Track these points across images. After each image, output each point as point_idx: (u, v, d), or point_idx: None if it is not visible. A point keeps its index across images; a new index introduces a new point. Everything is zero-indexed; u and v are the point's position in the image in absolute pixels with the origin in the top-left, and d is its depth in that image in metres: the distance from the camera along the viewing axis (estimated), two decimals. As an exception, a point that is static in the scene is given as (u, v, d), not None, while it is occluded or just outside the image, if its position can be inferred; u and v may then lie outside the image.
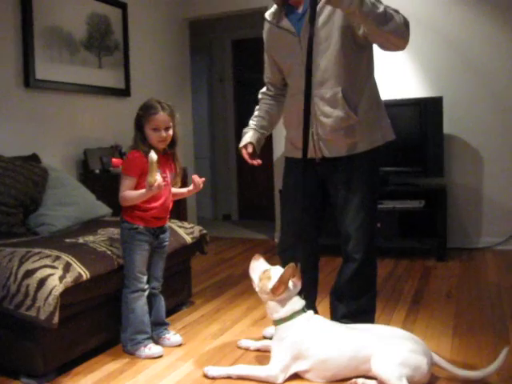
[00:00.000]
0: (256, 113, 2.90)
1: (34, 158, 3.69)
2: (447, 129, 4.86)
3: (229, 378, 2.42)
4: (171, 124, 2.75)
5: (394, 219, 4.67)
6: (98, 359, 2.71)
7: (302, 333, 2.39)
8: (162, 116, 2.70)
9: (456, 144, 5.00)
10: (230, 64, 7.24)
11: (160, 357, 2.70)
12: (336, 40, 2.48)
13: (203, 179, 2.93)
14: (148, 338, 2.75)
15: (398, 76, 5.13)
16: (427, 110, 4.77)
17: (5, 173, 3.20)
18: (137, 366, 2.62)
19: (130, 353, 2.73)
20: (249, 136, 2.80)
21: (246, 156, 2.77)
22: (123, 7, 4.97)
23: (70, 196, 3.47)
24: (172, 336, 2.89)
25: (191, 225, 3.55)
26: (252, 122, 2.87)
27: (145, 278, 2.78)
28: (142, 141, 2.71)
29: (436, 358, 2.33)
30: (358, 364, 2.32)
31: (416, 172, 4.85)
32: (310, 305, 2.77)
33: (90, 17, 4.59)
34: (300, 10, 2.56)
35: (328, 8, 2.46)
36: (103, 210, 3.59)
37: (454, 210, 5.01)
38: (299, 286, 2.47)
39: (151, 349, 2.71)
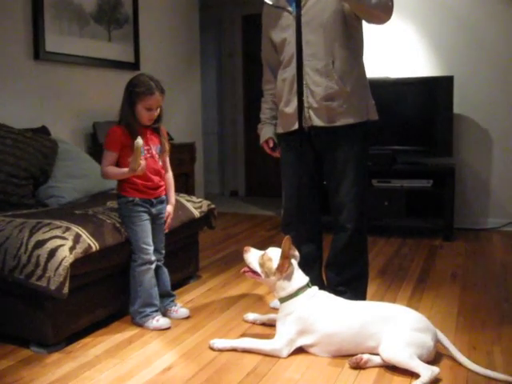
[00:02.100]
0: (264, 105, 3.05)
1: (44, 131, 3.70)
2: (457, 108, 4.83)
3: (234, 350, 2.46)
4: (162, 103, 2.78)
5: (401, 198, 4.66)
6: (107, 330, 2.75)
7: (308, 308, 2.42)
8: (157, 96, 2.73)
9: (465, 124, 4.97)
10: (239, 39, 7.20)
11: (168, 329, 2.74)
12: (327, 18, 2.63)
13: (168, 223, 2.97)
14: (156, 311, 2.78)
15: (408, 54, 5.08)
16: (437, 89, 4.74)
17: (15, 144, 3.21)
18: (145, 337, 2.66)
19: (139, 324, 2.77)
20: (266, 131, 2.99)
21: (268, 151, 3.01)
22: (133, -20, 4.93)
23: (79, 168, 3.48)
24: (179, 309, 2.93)
25: (199, 199, 3.56)
26: (264, 116, 3.03)
27: (151, 249, 2.79)
28: (132, 117, 2.73)
29: (440, 335, 2.35)
30: (363, 340, 2.34)
31: (424, 151, 4.84)
32: (316, 276, 2.89)
33: (100, -11, 4.55)
34: None
35: None
36: (111, 182, 3.59)
37: (461, 190, 5.01)
38: (298, 256, 2.54)
39: (159, 321, 2.74)
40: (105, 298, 2.79)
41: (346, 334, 2.36)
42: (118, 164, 2.76)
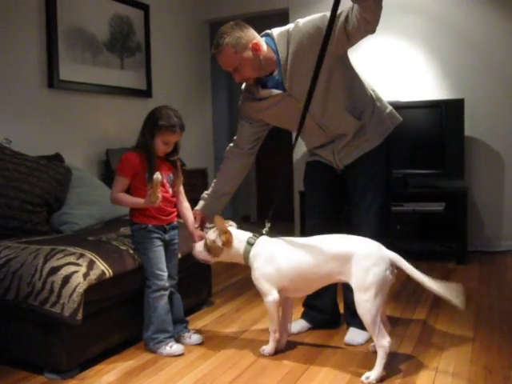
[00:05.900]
0: (217, 180, 3.12)
1: (58, 158, 3.75)
2: (468, 131, 4.83)
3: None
4: (179, 139, 2.83)
5: (413, 221, 4.65)
6: (120, 356, 2.75)
7: (266, 257, 2.60)
8: (177, 134, 2.77)
9: (477, 146, 4.97)
10: (249, 65, 7.25)
11: (181, 355, 2.73)
12: (323, 75, 2.52)
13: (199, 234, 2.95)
14: (170, 337, 2.77)
15: (419, 77, 5.10)
16: (448, 111, 4.75)
17: (30, 172, 3.25)
18: (158, 363, 2.65)
19: (152, 351, 2.76)
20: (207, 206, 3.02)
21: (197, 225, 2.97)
22: (145, 9, 5.03)
23: (92, 195, 3.52)
24: (192, 335, 2.91)
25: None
26: (209, 194, 3.07)
27: (165, 275, 2.79)
28: (152, 147, 2.74)
29: (396, 258, 2.48)
30: (327, 271, 2.48)
31: (436, 174, 4.83)
32: (331, 298, 2.98)
33: (112, 18, 4.64)
34: (276, 73, 2.65)
35: (304, 58, 2.53)
36: (124, 209, 3.61)
37: (474, 212, 4.98)
38: (233, 223, 2.77)
39: (172, 347, 2.73)
40: (118, 324, 2.79)
41: (309, 267, 2.49)
42: (128, 190, 2.78)
